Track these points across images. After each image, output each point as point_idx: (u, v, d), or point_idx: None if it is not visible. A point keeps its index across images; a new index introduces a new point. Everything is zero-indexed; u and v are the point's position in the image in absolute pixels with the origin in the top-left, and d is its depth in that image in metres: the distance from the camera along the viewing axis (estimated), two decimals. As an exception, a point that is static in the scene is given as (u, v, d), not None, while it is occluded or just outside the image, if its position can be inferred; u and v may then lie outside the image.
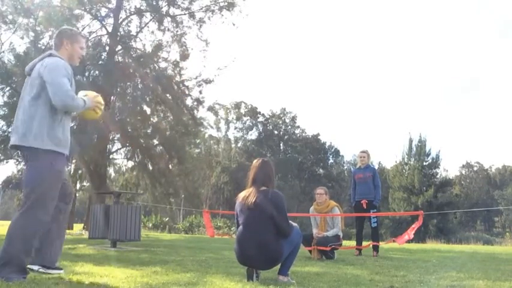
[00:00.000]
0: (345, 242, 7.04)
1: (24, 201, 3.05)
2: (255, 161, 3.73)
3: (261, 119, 52.05)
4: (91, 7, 16.22)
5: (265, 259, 3.39)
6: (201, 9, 17.74)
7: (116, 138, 18.63)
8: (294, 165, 49.78)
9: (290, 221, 3.53)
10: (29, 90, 3.17)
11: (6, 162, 16.87)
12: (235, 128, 51.03)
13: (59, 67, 3.14)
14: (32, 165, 3.09)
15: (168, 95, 17.53)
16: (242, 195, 3.58)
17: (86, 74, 16.06)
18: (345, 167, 57.64)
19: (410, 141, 35.04)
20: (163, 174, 17.86)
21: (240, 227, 3.51)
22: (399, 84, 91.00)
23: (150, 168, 18.27)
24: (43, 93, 3.11)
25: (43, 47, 15.23)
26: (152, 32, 17.62)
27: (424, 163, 34.01)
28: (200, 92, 17.93)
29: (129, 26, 17.71)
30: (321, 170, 52.49)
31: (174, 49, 17.94)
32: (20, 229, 3.00)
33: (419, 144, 34.51)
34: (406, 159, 35.41)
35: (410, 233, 6.33)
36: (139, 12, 17.31)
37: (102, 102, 3.43)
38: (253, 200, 3.43)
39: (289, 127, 53.32)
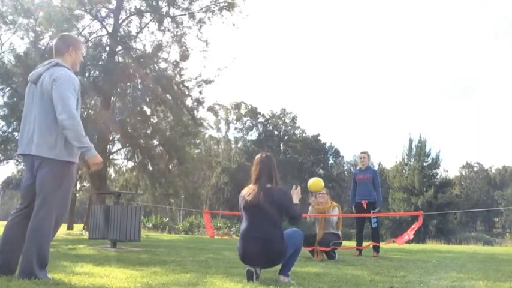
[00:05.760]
0: (344, 243, 7.04)
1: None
2: (257, 156, 3.70)
3: (261, 119, 52.00)
4: (91, 7, 16.21)
5: (268, 257, 3.40)
6: (201, 9, 17.76)
7: (116, 139, 18.64)
8: (294, 166, 49.72)
9: (292, 225, 3.55)
10: (39, 100, 3.08)
11: (6, 162, 16.83)
12: (235, 128, 51.04)
13: (67, 82, 3.05)
14: (49, 173, 3.04)
15: (168, 95, 17.54)
16: (245, 192, 3.57)
17: (86, 74, 16.06)
18: (345, 168, 57.66)
19: (411, 141, 35.03)
20: (163, 174, 17.86)
21: (245, 224, 3.51)
22: (399, 84, 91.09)
23: (150, 168, 18.27)
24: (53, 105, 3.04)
25: (43, 48, 15.24)
26: (152, 33, 17.66)
27: (424, 163, 33.96)
28: (200, 93, 17.97)
29: (129, 27, 17.75)
30: (321, 171, 52.43)
31: (174, 49, 18.01)
32: (47, 229, 3.03)
33: (419, 144, 34.46)
34: (406, 160, 35.36)
35: (410, 234, 6.33)
36: (139, 13, 17.32)
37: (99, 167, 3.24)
38: (258, 199, 3.43)
39: (289, 127, 53.27)
